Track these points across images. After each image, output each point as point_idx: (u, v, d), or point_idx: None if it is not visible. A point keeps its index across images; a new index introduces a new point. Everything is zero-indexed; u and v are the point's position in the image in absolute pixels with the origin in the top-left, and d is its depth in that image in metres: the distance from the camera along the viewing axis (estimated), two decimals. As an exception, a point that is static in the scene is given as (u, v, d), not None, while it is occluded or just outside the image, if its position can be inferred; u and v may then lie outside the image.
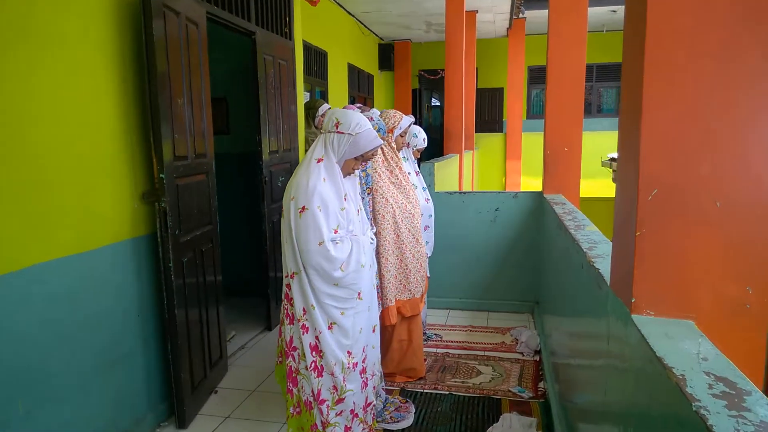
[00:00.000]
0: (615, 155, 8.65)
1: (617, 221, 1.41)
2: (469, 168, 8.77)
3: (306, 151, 4.80)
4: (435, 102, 13.75)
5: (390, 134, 2.88)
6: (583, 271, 1.96)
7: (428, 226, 3.51)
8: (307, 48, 7.28)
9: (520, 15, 10.26)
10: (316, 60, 7.80)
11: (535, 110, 12.91)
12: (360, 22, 9.94)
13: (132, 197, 2.44)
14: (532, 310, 4.24)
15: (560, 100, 3.80)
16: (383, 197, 2.80)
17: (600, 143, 10.60)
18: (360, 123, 1.92)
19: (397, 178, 2.89)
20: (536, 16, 10.13)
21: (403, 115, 2.94)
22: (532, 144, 11.67)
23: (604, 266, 1.75)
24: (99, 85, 2.24)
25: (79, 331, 2.11)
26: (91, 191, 2.20)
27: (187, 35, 2.68)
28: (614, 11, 10.16)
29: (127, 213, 2.41)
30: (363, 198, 2.57)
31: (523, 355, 3.39)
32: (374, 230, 2.67)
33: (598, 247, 2.05)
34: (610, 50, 11.90)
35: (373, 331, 2.07)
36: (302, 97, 6.69)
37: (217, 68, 4.57)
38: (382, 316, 2.79)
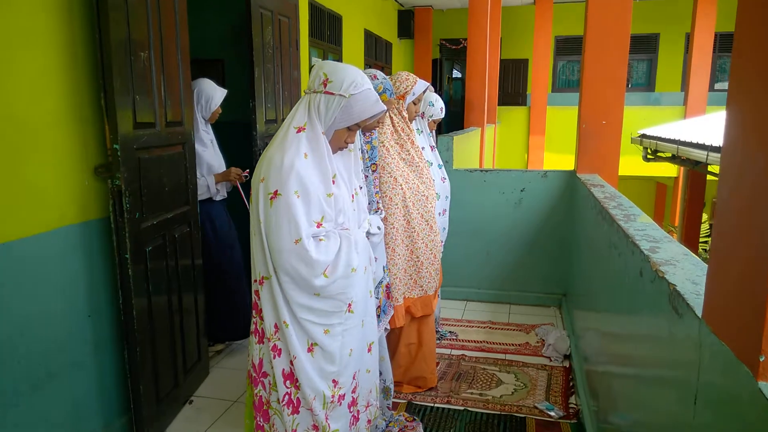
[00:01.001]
0: (647, 131, 7.97)
1: (721, 237, 0.93)
2: (491, 143, 8.21)
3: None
4: (456, 74, 13.03)
5: (401, 101, 2.39)
6: (643, 281, 1.48)
7: (445, 209, 3.03)
8: (320, 10, 6.72)
9: (550, -21, 9.49)
10: (330, 24, 7.23)
11: (561, 83, 12.16)
12: (377, -15, 9.29)
13: (82, 171, 2.01)
14: (559, 304, 3.77)
15: (600, 69, 3.25)
16: (391, 176, 2.33)
17: (630, 118, 9.86)
18: (356, 81, 1.44)
19: (409, 154, 2.41)
20: (567, -20, 9.35)
21: (418, 79, 2.44)
22: (558, 118, 10.97)
23: (678, 278, 1.27)
24: (35, 25, 1.78)
25: (8, 339, 1.71)
26: (25, 162, 1.77)
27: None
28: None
29: (76, 191, 1.99)
30: (366, 176, 2.10)
31: (551, 360, 2.94)
32: (382, 214, 2.21)
33: (661, 247, 1.56)
34: (643, 20, 11.05)
35: (369, 350, 1.62)
36: (307, 60, 6.18)
37: (213, 26, 4.10)
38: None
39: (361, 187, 2.00)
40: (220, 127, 4.10)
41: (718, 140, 5.48)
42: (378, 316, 2.16)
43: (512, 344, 3.12)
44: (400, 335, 2.54)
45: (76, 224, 1.99)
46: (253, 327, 1.52)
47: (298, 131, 1.42)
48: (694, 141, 5.97)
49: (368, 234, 2.06)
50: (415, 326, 2.57)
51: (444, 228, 3.06)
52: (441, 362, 2.90)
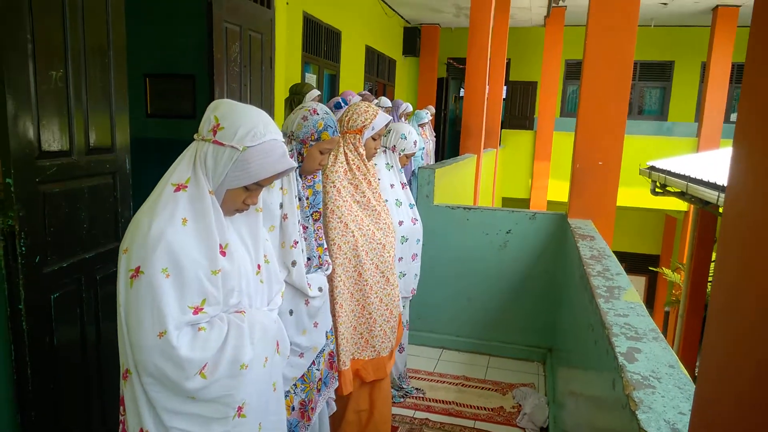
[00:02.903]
0: (656, 163, 7.60)
1: (713, 349, 0.63)
2: (490, 170, 7.89)
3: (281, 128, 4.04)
4: (464, 93, 12.79)
5: (357, 135, 2.09)
6: (616, 395, 1.15)
7: (416, 254, 2.72)
8: (316, 24, 6.50)
9: (560, 2, 9.24)
10: (327, 39, 7.01)
11: (570, 107, 11.85)
12: (383, 1, 9.08)
13: (-26, 207, 1.72)
14: (543, 359, 3.42)
15: (598, 102, 2.94)
16: (341, 221, 2.03)
17: (640, 148, 9.55)
18: (255, 130, 1.12)
19: (364, 196, 2.11)
20: (577, 5, 9.09)
21: (380, 112, 2.14)
22: (565, 144, 10.63)
23: (654, 415, 0.95)
24: None
25: None
26: None
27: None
28: (665, 4, 9.04)
29: (-34, 229, 1.70)
30: (306, 227, 1.79)
31: (526, 432, 2.59)
32: (327, 271, 1.90)
33: (643, 351, 1.23)
34: (657, 47, 10.75)
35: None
36: (299, 76, 5.92)
37: (184, 39, 3.84)
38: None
39: (298, 240, 1.70)
40: (183, 145, 3.84)
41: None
42: (318, 389, 1.85)
43: (485, 408, 2.78)
44: (347, 401, 2.22)
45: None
46: (120, 426, 1.20)
47: (177, 189, 1.11)
48: (705, 179, 5.61)
49: (307, 298, 1.75)
50: (367, 391, 2.25)
51: (416, 275, 2.75)
52: (401, 427, 2.57)
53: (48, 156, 1.83)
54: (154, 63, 3.83)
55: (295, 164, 1.24)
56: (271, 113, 3.54)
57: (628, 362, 1.15)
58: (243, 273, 1.21)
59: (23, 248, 1.74)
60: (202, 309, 1.11)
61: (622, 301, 1.60)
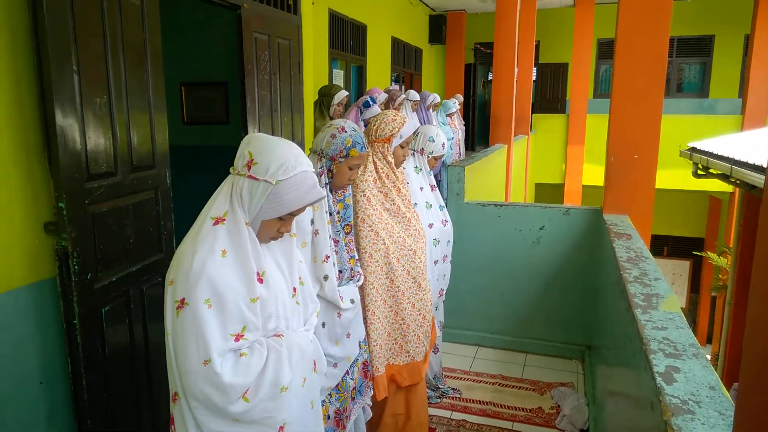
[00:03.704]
0: (697, 144, 7.29)
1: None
2: (521, 157, 7.77)
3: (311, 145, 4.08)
4: (492, 77, 12.56)
5: (386, 144, 2.11)
6: (655, 418, 1.14)
7: (446, 256, 2.73)
8: (342, 21, 6.50)
9: (592, -21, 8.93)
10: (354, 34, 7.01)
11: (603, 88, 11.50)
12: (407, -10, 8.99)
13: (32, 229, 1.83)
14: (582, 357, 3.39)
15: (632, 84, 2.85)
16: (372, 230, 2.06)
17: (679, 128, 9.19)
18: (286, 163, 1.16)
19: (394, 204, 2.13)
20: (610, -19, 8.77)
21: (407, 120, 2.15)
22: (598, 127, 10.34)
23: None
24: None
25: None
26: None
27: (119, 11, 2.01)
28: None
29: (26, 251, 1.81)
30: (337, 241, 1.83)
31: (564, 432, 2.59)
32: (359, 282, 1.94)
33: (682, 371, 1.21)
34: (697, 21, 10.29)
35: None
36: (327, 73, 5.95)
37: (216, 46, 3.93)
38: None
39: (329, 255, 1.74)
40: (225, 151, 3.94)
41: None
42: (353, 398, 1.90)
43: (523, 409, 2.79)
44: (384, 406, 2.27)
45: (25, 286, 1.82)
46: (172, 442, 1.28)
47: (216, 223, 1.17)
48: (751, 161, 5.36)
49: (340, 310, 1.80)
50: (403, 395, 2.29)
51: (445, 275, 2.76)
52: (438, 428, 2.61)
53: (95, 178, 1.92)
54: (188, 71, 3.94)
55: (325, 194, 1.28)
56: (302, 117, 3.59)
57: (667, 384, 1.14)
58: (280, 298, 1.26)
59: (76, 267, 1.84)
60: (242, 336, 1.17)
61: (660, 312, 1.58)
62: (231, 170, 1.23)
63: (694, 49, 10.81)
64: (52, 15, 1.71)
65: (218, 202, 1.19)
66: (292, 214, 1.22)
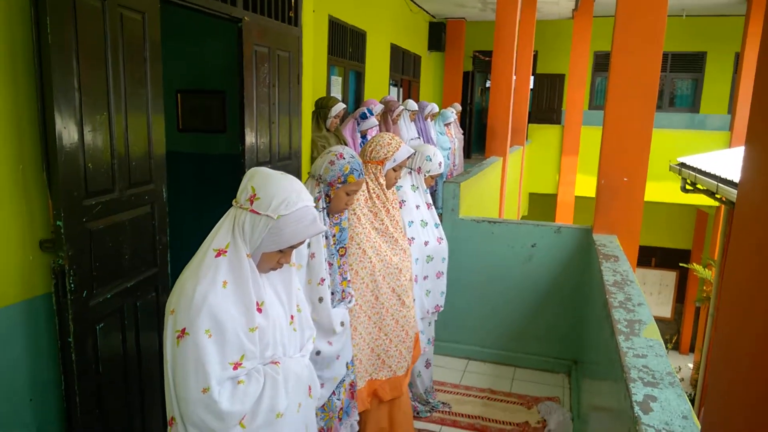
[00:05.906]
0: (686, 160, 7.40)
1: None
2: (516, 167, 7.84)
3: (312, 158, 4.11)
4: (489, 90, 12.65)
5: (378, 166, 2.15)
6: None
7: (441, 272, 2.77)
8: (341, 27, 6.54)
9: (589, -7, 9.04)
10: (353, 40, 7.05)
11: (599, 100, 11.62)
12: (407, -2, 9.05)
13: (27, 246, 1.85)
14: (569, 371, 3.45)
15: (624, 120, 2.92)
16: (360, 248, 2.10)
17: (670, 142, 9.31)
18: (288, 199, 1.21)
19: (383, 224, 2.18)
20: (607, -5, 8.88)
21: (402, 145, 2.19)
22: (593, 139, 10.40)
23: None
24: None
25: None
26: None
27: (121, 28, 2.03)
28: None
29: (20, 268, 1.83)
30: (331, 264, 1.87)
31: (550, 448, 2.64)
32: (350, 303, 1.98)
33: (659, 399, 1.27)
34: (690, 38, 10.43)
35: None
36: (325, 79, 5.98)
37: (214, 55, 3.95)
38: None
39: (325, 278, 1.78)
40: (222, 160, 3.96)
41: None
42: (340, 418, 1.93)
43: (510, 423, 2.83)
44: (367, 421, 2.31)
45: (18, 303, 1.83)
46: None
47: (218, 255, 1.20)
48: (736, 180, 5.47)
49: (330, 339, 1.83)
50: (386, 410, 2.34)
51: (442, 292, 2.80)
52: (427, 443, 2.65)
53: (93, 195, 1.94)
54: (185, 79, 3.95)
55: (325, 228, 1.31)
56: (299, 129, 3.62)
57: (644, 413, 1.20)
58: (278, 326, 1.29)
59: (72, 285, 1.86)
60: (241, 364, 1.20)
61: (641, 338, 1.63)
62: (234, 203, 1.27)
63: (687, 64, 10.96)
64: (55, 32, 1.73)
65: (220, 235, 1.23)
66: (292, 247, 1.26)
